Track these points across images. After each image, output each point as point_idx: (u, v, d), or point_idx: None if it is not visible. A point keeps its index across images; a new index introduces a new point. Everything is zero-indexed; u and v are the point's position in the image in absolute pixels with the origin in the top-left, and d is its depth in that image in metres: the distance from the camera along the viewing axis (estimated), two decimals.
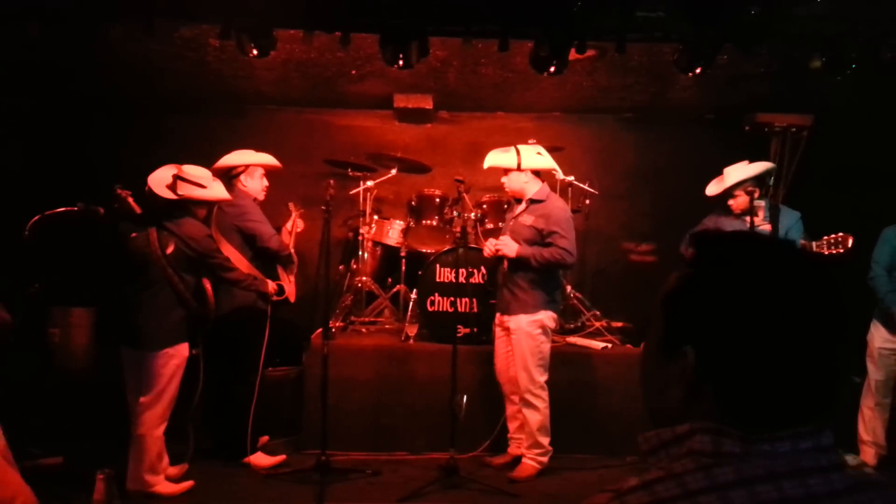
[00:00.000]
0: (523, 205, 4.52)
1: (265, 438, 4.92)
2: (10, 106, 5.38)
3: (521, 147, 4.49)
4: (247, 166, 4.69)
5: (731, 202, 4.59)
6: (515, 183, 4.49)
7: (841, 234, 4.12)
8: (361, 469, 4.47)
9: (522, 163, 4.42)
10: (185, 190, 4.08)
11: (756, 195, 4.33)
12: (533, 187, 4.49)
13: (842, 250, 4.07)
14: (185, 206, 4.13)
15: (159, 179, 4.10)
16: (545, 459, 4.48)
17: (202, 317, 4.21)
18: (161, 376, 4.00)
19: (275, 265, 4.80)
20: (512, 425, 4.65)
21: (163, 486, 4.05)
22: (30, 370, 4.73)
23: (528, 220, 4.44)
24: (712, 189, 4.67)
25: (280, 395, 5.17)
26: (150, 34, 3.81)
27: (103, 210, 4.27)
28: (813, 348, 0.88)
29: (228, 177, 4.68)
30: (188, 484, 4.17)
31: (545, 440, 4.48)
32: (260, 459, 4.58)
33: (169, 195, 4.04)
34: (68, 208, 4.22)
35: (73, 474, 4.26)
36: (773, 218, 4.44)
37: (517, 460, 4.56)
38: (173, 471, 4.22)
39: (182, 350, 4.10)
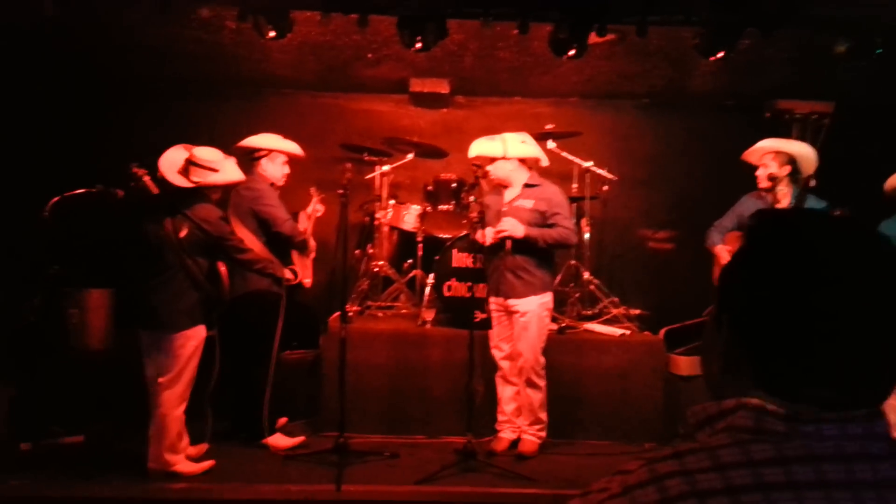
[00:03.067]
0: (517, 190, 4.55)
1: (283, 420, 4.94)
2: (28, 87, 5.38)
3: (506, 135, 4.51)
4: (270, 151, 4.67)
5: (757, 172, 4.53)
6: (501, 171, 4.53)
7: (839, 209, 4.06)
8: (379, 451, 4.48)
9: (508, 151, 4.45)
10: (199, 176, 4.08)
11: (777, 180, 4.27)
12: (520, 175, 4.54)
13: None
14: (199, 192, 4.12)
15: (171, 163, 4.08)
16: (544, 434, 4.58)
17: (216, 299, 4.22)
18: (179, 357, 4.01)
19: (290, 250, 4.80)
20: (508, 407, 4.65)
21: (183, 466, 4.07)
22: (50, 350, 4.76)
23: (528, 203, 4.48)
24: (746, 154, 4.61)
25: (297, 378, 5.19)
26: (166, 13, 3.78)
27: (122, 192, 4.28)
28: (860, 323, 0.84)
29: (249, 158, 4.67)
30: (209, 463, 4.20)
31: (545, 416, 4.57)
32: (278, 441, 4.60)
33: (183, 183, 4.04)
34: (87, 190, 4.22)
35: (93, 453, 4.32)
36: (799, 205, 4.37)
37: (514, 443, 4.61)
38: (193, 451, 4.25)
39: (199, 332, 4.11)
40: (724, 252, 4.53)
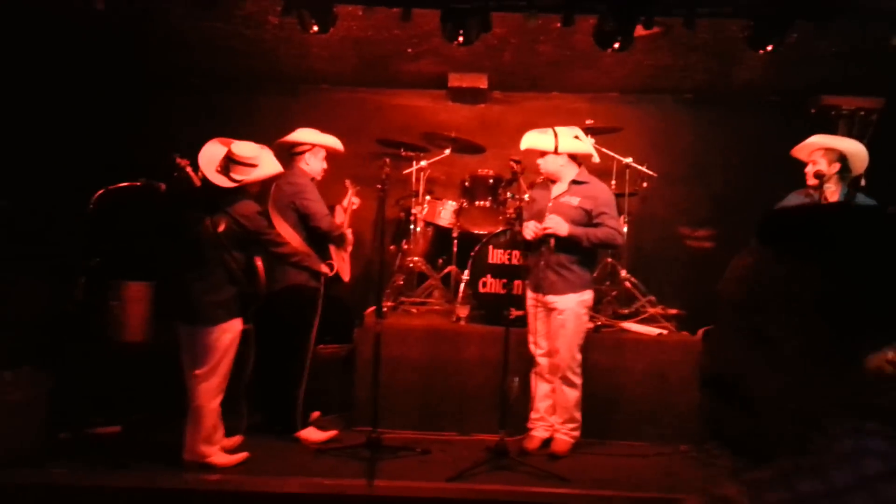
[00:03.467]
0: (564, 186, 4.49)
1: (316, 414, 4.97)
2: (73, 80, 5.48)
3: (558, 129, 4.43)
4: (313, 146, 4.69)
5: (806, 169, 4.40)
6: (552, 165, 4.47)
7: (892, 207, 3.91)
8: (411, 447, 4.47)
9: (560, 146, 4.38)
10: (240, 174, 4.09)
11: (825, 178, 4.13)
12: (570, 170, 4.47)
13: None
14: (240, 188, 4.14)
15: (209, 160, 4.10)
16: (578, 433, 4.53)
17: (253, 294, 4.25)
18: (216, 350, 4.05)
19: (328, 244, 4.81)
20: (542, 405, 4.61)
21: (218, 457, 4.12)
22: (90, 341, 4.85)
23: (573, 200, 4.42)
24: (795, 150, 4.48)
25: (330, 372, 5.21)
26: (213, 8, 3.82)
27: (164, 186, 4.33)
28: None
29: (291, 153, 4.70)
30: (243, 455, 4.24)
31: (579, 414, 4.53)
32: (311, 434, 4.63)
33: (224, 183, 4.06)
34: (131, 183, 4.28)
35: (130, 443, 4.39)
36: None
37: (546, 442, 4.57)
38: (228, 442, 4.29)
39: (235, 325, 4.15)
40: None
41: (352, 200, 5.02)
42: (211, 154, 4.13)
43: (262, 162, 4.21)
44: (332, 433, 4.68)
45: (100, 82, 5.68)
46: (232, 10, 4.49)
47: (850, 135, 5.50)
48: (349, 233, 4.95)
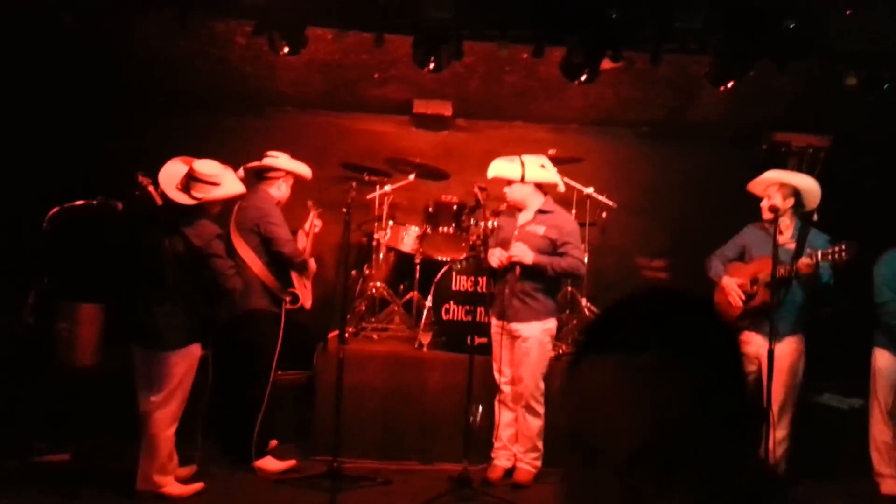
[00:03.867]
0: (530, 214, 4.53)
1: (274, 443, 4.84)
2: (33, 97, 5.31)
3: (525, 158, 4.48)
4: (287, 172, 4.68)
5: (761, 203, 4.53)
6: (518, 194, 4.51)
7: (844, 242, 4.07)
8: (372, 477, 4.39)
9: (526, 175, 4.43)
10: (201, 191, 4.01)
11: (780, 212, 4.26)
12: (536, 199, 4.52)
13: (845, 257, 4.02)
14: (200, 207, 4.06)
15: (170, 178, 4.02)
16: (540, 463, 4.53)
17: (211, 319, 4.16)
18: (173, 376, 3.93)
19: (290, 272, 4.74)
20: (505, 433, 4.60)
21: (172, 488, 3.98)
22: (37, 364, 4.65)
23: (539, 229, 4.45)
24: (750, 185, 4.61)
25: (289, 400, 5.11)
26: (183, 27, 3.77)
27: (122, 205, 4.21)
28: None
29: (260, 177, 4.68)
30: (198, 486, 4.10)
31: (541, 444, 4.53)
32: (269, 464, 4.51)
33: (185, 200, 3.98)
34: (87, 201, 4.15)
35: (81, 471, 4.20)
36: (801, 238, 4.39)
37: (509, 471, 4.55)
38: (183, 472, 4.15)
39: (194, 350, 4.04)
40: (731, 284, 4.50)
41: (314, 223, 4.97)
42: (172, 172, 4.05)
43: (224, 181, 4.13)
44: (290, 463, 4.58)
45: (64, 99, 5.52)
46: (199, 29, 4.43)
47: (799, 170, 5.71)
48: (311, 261, 4.90)
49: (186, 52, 4.94)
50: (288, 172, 4.69)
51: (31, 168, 5.31)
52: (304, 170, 4.77)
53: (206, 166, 4.06)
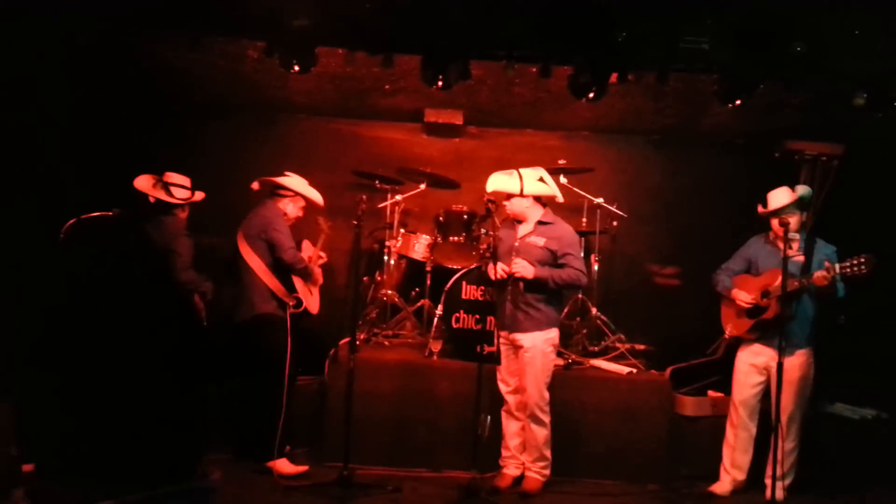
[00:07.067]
0: (530, 226, 4.57)
1: (286, 448, 4.94)
2: (48, 108, 5.41)
3: (523, 171, 4.53)
4: (295, 194, 4.86)
5: (773, 222, 4.54)
6: (517, 207, 4.56)
7: (864, 256, 4.07)
8: (383, 485, 4.46)
9: (525, 189, 4.47)
10: (181, 193, 4.58)
11: (791, 227, 4.26)
12: (535, 211, 4.57)
13: (865, 271, 4.03)
14: (169, 207, 4.53)
15: (145, 184, 4.56)
16: (548, 472, 4.57)
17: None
18: None
19: (292, 277, 4.84)
20: (512, 443, 4.65)
21: None
22: None
23: (539, 241, 4.50)
24: (761, 208, 4.63)
25: (301, 405, 5.19)
26: (198, 50, 3.85)
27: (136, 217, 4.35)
28: None
29: (272, 191, 4.87)
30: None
31: (549, 452, 4.56)
32: (284, 466, 4.61)
33: (166, 198, 4.51)
34: (104, 213, 4.26)
35: None
36: (808, 250, 4.40)
37: (518, 479, 4.60)
38: None
39: None
40: (741, 294, 4.51)
41: (320, 254, 5.10)
42: (146, 182, 4.61)
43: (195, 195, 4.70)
44: (303, 468, 4.66)
45: (78, 111, 5.60)
46: (211, 45, 4.51)
47: (811, 179, 5.70)
48: (318, 270, 5.02)
49: (200, 65, 5.02)
50: (297, 194, 4.85)
51: (47, 179, 5.39)
52: (314, 195, 4.93)
53: (177, 177, 4.66)
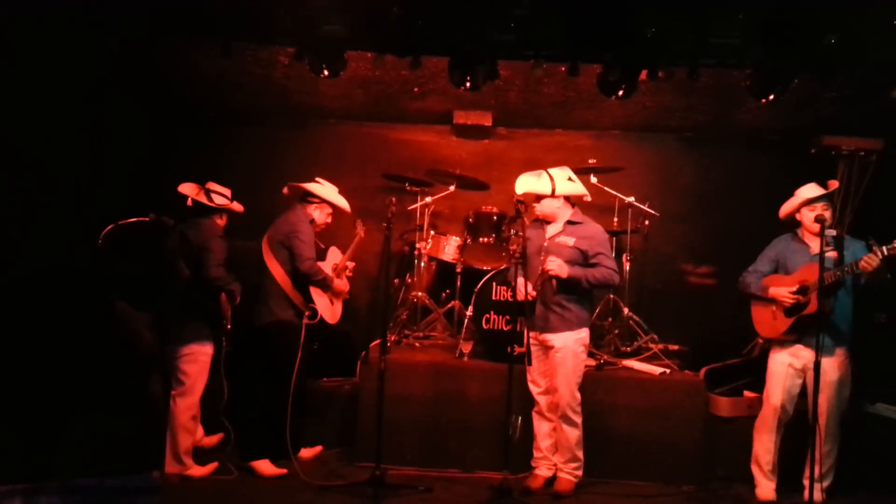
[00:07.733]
0: (559, 226, 4.56)
1: (319, 448, 5.01)
2: (86, 116, 5.55)
3: (552, 171, 4.52)
4: (322, 201, 4.90)
5: (801, 217, 4.46)
6: (548, 208, 4.56)
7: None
8: (414, 485, 4.48)
9: (556, 189, 4.47)
10: (220, 200, 4.69)
11: (828, 223, 4.17)
12: (565, 211, 4.56)
13: None
14: (208, 212, 4.66)
15: (189, 189, 4.68)
16: (580, 473, 4.54)
17: (220, 319, 4.63)
18: (185, 373, 4.49)
19: (309, 287, 4.83)
20: (544, 444, 4.63)
21: (194, 470, 4.53)
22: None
23: (569, 241, 4.48)
24: (784, 209, 4.55)
25: (334, 407, 5.25)
26: (228, 57, 3.92)
27: (171, 222, 4.45)
28: None
29: (301, 197, 4.92)
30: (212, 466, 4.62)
31: (581, 453, 4.53)
32: (265, 467, 4.66)
33: (206, 202, 4.61)
34: (140, 219, 4.37)
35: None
36: (838, 245, 4.29)
37: (549, 480, 4.58)
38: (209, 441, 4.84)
39: (206, 348, 4.56)
40: (781, 290, 4.40)
41: (346, 264, 5.12)
42: (187, 189, 4.72)
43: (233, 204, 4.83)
44: (282, 471, 4.66)
45: (113, 117, 5.75)
46: (243, 51, 4.58)
47: (849, 175, 5.58)
48: (343, 280, 5.05)
49: (232, 71, 5.11)
50: (323, 201, 4.88)
51: (84, 185, 5.53)
52: (341, 202, 4.97)
53: (220, 187, 4.86)
